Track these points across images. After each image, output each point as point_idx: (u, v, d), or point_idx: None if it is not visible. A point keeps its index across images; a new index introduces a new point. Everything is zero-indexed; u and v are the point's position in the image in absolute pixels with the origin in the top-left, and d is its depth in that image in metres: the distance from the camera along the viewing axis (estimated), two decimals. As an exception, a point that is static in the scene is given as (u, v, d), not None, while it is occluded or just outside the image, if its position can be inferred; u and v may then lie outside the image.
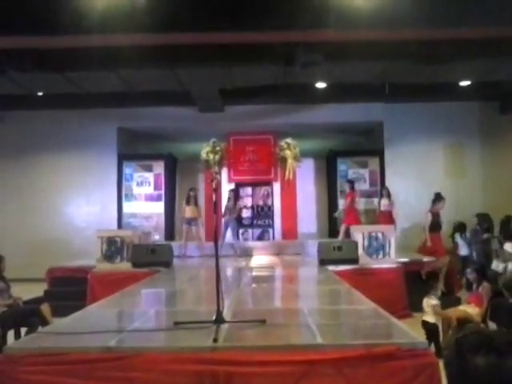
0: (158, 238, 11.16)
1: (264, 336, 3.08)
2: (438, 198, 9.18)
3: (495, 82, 10.65)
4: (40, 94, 10.58)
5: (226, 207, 10.11)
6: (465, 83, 10.44)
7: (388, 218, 10.06)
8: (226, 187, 11.53)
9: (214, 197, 4.20)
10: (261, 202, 11.99)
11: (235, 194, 10.60)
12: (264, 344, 2.87)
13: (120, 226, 11.31)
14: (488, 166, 11.47)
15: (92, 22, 5.99)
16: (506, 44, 7.37)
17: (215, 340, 2.88)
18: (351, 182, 10.84)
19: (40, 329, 4.20)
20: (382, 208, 10.34)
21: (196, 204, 10.01)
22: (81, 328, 3.30)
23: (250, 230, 11.73)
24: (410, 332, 3.01)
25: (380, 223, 9.99)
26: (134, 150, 12.63)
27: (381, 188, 11.04)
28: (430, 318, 5.25)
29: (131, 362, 2.75)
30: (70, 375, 2.72)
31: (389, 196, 10.30)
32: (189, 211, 9.82)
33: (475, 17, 6.38)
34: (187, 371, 2.74)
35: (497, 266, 7.13)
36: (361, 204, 11.52)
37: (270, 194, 11.90)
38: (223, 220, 10.04)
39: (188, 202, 9.91)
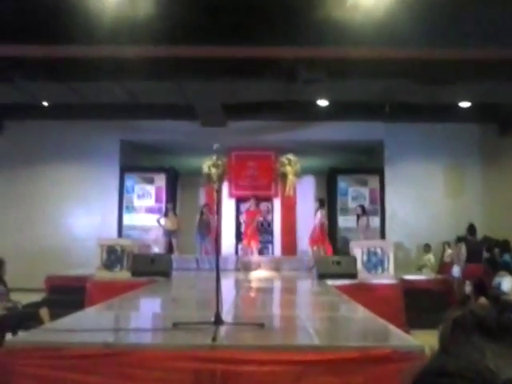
0: (157, 250, 11.17)
1: (262, 337, 3.10)
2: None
3: (494, 104, 10.80)
4: (45, 103, 10.69)
5: (199, 222, 10.10)
6: (464, 105, 10.57)
7: (321, 230, 10.09)
8: (227, 202, 11.61)
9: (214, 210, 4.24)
10: (261, 218, 12.01)
11: (208, 209, 10.40)
12: (262, 344, 2.89)
13: (120, 237, 11.31)
14: (487, 187, 11.54)
15: (101, 33, 6.12)
16: (505, 66, 7.51)
17: (214, 339, 2.91)
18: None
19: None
20: (316, 221, 10.24)
21: (175, 215, 10.14)
22: (80, 326, 3.32)
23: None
24: (406, 336, 3.04)
25: (313, 237, 10.08)
26: (136, 162, 12.70)
27: (318, 200, 10.91)
28: None
29: (129, 359, 2.76)
30: (68, 370, 2.73)
31: (322, 207, 10.29)
32: (168, 223, 9.91)
33: (476, 38, 6.52)
34: (185, 369, 2.75)
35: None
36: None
37: (270, 210, 11.94)
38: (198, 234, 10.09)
39: (166, 214, 9.97)
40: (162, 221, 10.12)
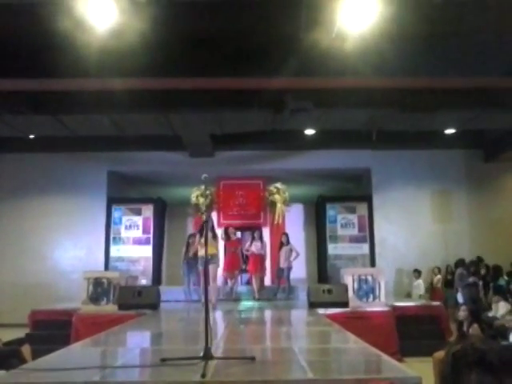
0: (145, 282, 10.97)
1: (253, 372, 2.99)
2: None
3: (479, 131, 10.99)
4: (32, 136, 10.62)
5: (186, 253, 9.79)
6: (449, 131, 10.73)
7: (260, 261, 9.96)
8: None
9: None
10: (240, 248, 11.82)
11: (194, 239, 9.66)
12: (253, 379, 2.79)
13: (107, 269, 11.11)
14: (474, 212, 11.62)
15: (87, 65, 6.12)
16: (488, 93, 7.65)
17: (203, 375, 2.80)
18: None
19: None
20: (255, 251, 9.98)
21: (215, 238, 8.29)
22: (63, 365, 3.18)
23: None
24: (402, 367, 2.95)
25: (251, 266, 9.98)
26: (123, 193, 12.59)
27: (253, 231, 10.58)
28: None
29: (115, 398, 2.65)
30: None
31: (261, 239, 10.16)
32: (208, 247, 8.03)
33: (459, 66, 6.65)
34: (174, 407, 2.64)
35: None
36: (349, 249, 11.54)
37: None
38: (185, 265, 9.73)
39: (202, 235, 7.58)
40: (201, 251, 8.11)
